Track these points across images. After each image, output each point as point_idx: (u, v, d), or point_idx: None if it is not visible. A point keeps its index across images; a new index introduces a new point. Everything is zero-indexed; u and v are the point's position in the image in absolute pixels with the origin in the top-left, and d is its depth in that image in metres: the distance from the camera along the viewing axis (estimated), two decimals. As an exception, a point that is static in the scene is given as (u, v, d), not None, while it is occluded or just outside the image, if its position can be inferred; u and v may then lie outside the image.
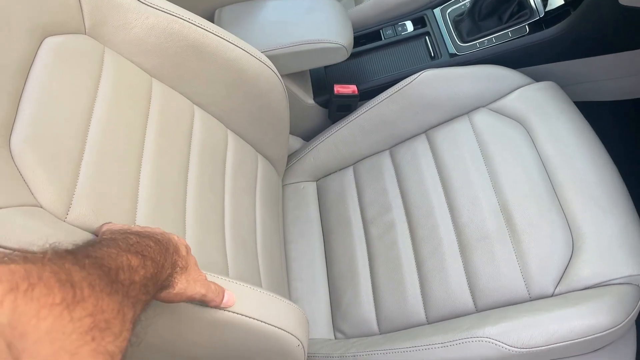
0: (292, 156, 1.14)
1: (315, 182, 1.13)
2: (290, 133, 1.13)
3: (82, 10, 0.73)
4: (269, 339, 0.63)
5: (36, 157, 0.58)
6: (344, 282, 0.96)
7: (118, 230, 0.50)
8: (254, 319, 0.61)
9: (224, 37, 0.86)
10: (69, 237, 0.52)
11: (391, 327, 0.88)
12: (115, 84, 0.73)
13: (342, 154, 1.10)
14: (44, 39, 0.67)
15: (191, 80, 0.86)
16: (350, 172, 1.09)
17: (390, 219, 0.98)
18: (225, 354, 0.64)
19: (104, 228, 0.55)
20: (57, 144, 0.62)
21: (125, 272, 0.40)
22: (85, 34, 0.74)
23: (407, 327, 0.86)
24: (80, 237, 0.54)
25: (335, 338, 0.92)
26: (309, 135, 1.19)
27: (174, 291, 0.51)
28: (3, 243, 0.47)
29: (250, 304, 0.63)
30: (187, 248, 0.57)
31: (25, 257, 0.34)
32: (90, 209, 0.61)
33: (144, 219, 0.67)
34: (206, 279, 0.57)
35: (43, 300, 0.30)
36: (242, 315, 0.60)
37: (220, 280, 0.62)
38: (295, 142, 1.19)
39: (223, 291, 0.58)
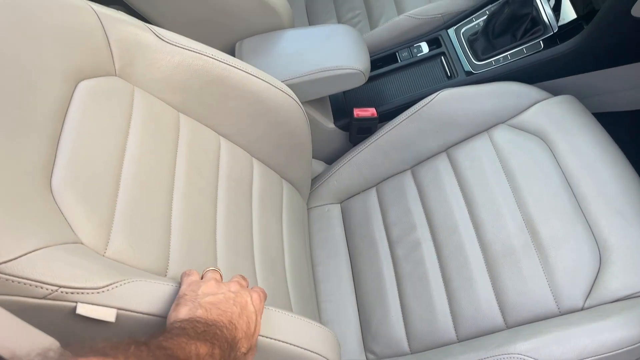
0: (315, 180, 1.17)
1: (339, 204, 1.15)
2: (313, 157, 1.16)
3: (112, 54, 0.77)
4: (302, 362, 0.65)
5: (75, 195, 0.62)
6: (373, 302, 0.97)
7: (187, 319, 0.51)
8: (287, 343, 0.63)
9: (246, 70, 0.89)
10: (109, 271, 0.55)
11: (422, 346, 0.88)
12: (145, 121, 0.77)
13: (364, 175, 1.12)
14: (78, 83, 0.71)
15: (216, 113, 0.89)
16: (373, 193, 1.11)
17: (415, 238, 0.99)
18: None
19: (180, 291, 0.57)
20: (94, 182, 0.65)
21: None
22: (116, 76, 0.78)
23: (438, 345, 0.87)
24: (119, 270, 0.57)
25: (367, 359, 0.92)
26: (331, 159, 1.21)
27: None
28: (49, 280, 0.50)
29: (283, 329, 0.64)
30: (257, 315, 0.57)
31: (113, 347, 0.36)
32: (127, 243, 0.64)
33: (178, 250, 0.70)
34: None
35: None
36: (276, 340, 0.62)
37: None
38: (318, 166, 1.21)
39: None
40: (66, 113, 0.68)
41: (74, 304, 0.51)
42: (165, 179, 0.76)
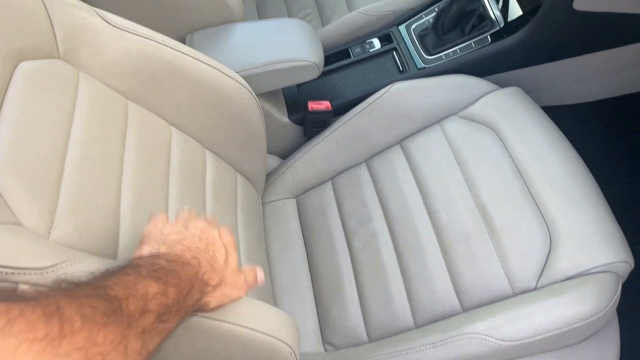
0: (270, 174, 1.15)
1: (294, 199, 1.13)
2: (267, 152, 1.14)
3: (55, 36, 0.73)
4: (262, 348, 0.63)
5: (16, 179, 0.58)
6: (331, 295, 0.95)
7: (148, 255, 0.50)
8: (246, 327, 0.60)
9: (197, 58, 0.87)
10: (54, 251, 0.51)
11: (380, 335, 0.88)
12: (91, 107, 0.74)
13: (319, 169, 1.12)
14: (18, 64, 0.67)
15: (166, 102, 0.87)
16: (329, 186, 1.10)
17: (372, 229, 0.99)
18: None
19: (145, 230, 0.56)
20: (36, 166, 0.61)
21: (138, 301, 0.40)
22: (59, 59, 0.74)
23: (396, 332, 0.86)
24: (64, 253, 0.53)
25: (325, 351, 0.91)
26: (286, 154, 1.20)
27: (209, 309, 0.52)
28: (-13, 260, 0.46)
29: (241, 313, 0.62)
30: (228, 249, 0.56)
31: (41, 292, 0.35)
32: (73, 228, 0.60)
33: (128, 235, 0.67)
34: (244, 279, 0.58)
35: (22, 336, 0.30)
36: (234, 324, 0.60)
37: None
38: (273, 161, 1.20)
39: (255, 274, 0.60)
40: (5, 94, 0.64)
41: (14, 286, 0.47)
42: (113, 165, 0.72)
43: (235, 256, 0.57)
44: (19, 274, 0.47)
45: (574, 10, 0.96)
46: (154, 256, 0.48)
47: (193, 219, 0.58)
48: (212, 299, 0.52)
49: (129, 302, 0.39)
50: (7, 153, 0.59)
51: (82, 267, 0.51)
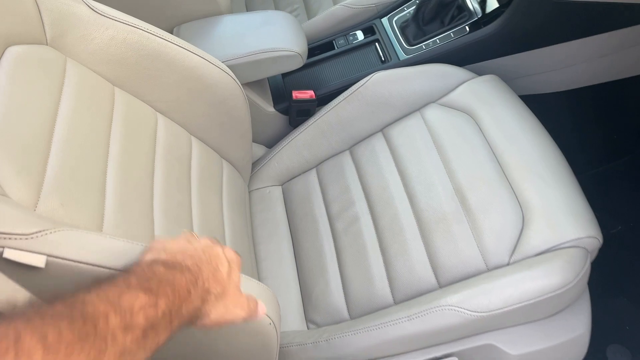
0: (256, 163, 1.18)
1: (280, 187, 1.16)
2: (254, 141, 1.17)
3: (42, 22, 0.76)
4: (241, 317, 0.66)
5: (3, 153, 0.61)
6: (314, 276, 0.98)
7: (147, 261, 0.49)
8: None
9: (183, 46, 0.90)
10: (39, 220, 0.54)
11: (361, 312, 0.90)
12: (78, 92, 0.76)
13: (304, 157, 1.14)
14: (6, 48, 0.70)
15: (153, 89, 0.89)
16: (313, 173, 1.13)
17: (354, 213, 1.02)
18: (194, 337, 0.66)
19: (149, 245, 0.54)
20: (23, 143, 0.64)
21: (120, 316, 0.38)
22: (47, 45, 0.77)
23: (376, 309, 0.89)
24: (50, 220, 0.56)
25: (308, 328, 0.94)
26: (272, 143, 1.23)
27: (209, 320, 0.49)
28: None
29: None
30: (232, 265, 0.54)
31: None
32: (59, 202, 0.63)
33: (112, 213, 0.70)
34: (246, 300, 0.55)
35: None
36: (212, 293, 0.62)
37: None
38: (259, 150, 1.22)
39: (257, 302, 0.56)
40: (-7, 76, 0.67)
41: (0, 249, 0.50)
42: (99, 146, 0.75)
43: (238, 274, 0.55)
44: (4, 238, 0.50)
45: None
46: (152, 262, 0.47)
47: (195, 237, 0.56)
48: (214, 310, 0.49)
49: (109, 319, 0.37)
50: (-4, 131, 0.62)
51: (66, 234, 0.54)
